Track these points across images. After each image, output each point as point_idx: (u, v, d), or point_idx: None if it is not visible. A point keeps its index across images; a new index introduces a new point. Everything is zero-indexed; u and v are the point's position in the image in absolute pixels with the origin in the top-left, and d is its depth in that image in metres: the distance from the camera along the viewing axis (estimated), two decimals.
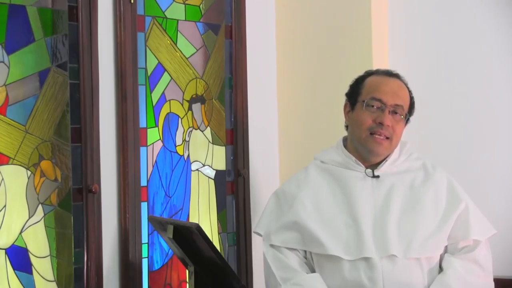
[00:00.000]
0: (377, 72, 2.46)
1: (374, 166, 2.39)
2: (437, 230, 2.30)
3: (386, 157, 2.38)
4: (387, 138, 2.34)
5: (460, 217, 2.32)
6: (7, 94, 2.54)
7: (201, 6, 3.14)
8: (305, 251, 2.38)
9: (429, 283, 2.27)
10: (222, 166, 3.20)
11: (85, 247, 2.68)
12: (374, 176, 2.36)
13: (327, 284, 2.31)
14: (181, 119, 3.05)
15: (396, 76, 2.44)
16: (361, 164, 2.38)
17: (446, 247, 2.33)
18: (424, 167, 2.41)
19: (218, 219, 3.17)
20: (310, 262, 2.38)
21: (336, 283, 2.30)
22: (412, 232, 2.27)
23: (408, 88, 2.42)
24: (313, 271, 2.36)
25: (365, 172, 2.37)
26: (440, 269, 2.31)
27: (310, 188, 2.41)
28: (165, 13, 3.01)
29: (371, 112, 2.36)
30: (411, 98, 2.42)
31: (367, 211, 2.31)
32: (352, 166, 2.39)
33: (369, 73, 2.46)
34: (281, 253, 2.38)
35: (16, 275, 2.55)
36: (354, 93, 2.44)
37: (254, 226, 3.24)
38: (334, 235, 2.30)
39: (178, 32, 3.05)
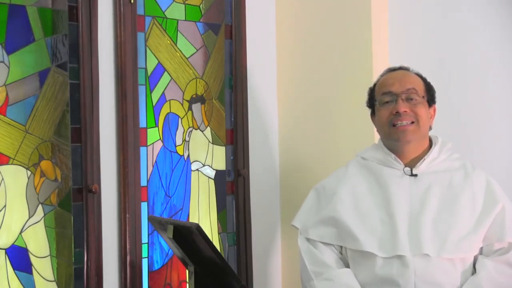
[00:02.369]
0: (383, 73, 2.49)
1: (412, 164, 2.38)
2: (472, 231, 2.28)
3: (425, 156, 2.38)
4: (412, 122, 2.34)
5: (496, 218, 2.30)
6: (7, 94, 2.54)
7: (201, 6, 3.14)
8: (341, 247, 2.40)
9: (462, 284, 2.25)
10: (222, 166, 3.20)
11: (85, 247, 2.68)
12: (412, 175, 2.36)
13: (359, 279, 2.32)
14: (181, 119, 3.05)
15: (400, 68, 2.47)
16: (400, 162, 2.38)
17: (481, 248, 2.31)
18: (464, 168, 2.39)
19: (218, 219, 3.17)
20: (345, 258, 2.39)
21: (368, 279, 2.30)
22: (447, 232, 2.26)
23: (419, 74, 2.44)
24: (347, 266, 2.38)
25: (403, 171, 2.37)
26: (474, 270, 2.29)
27: (349, 184, 2.43)
28: (165, 13, 3.01)
29: (387, 108, 2.37)
30: (426, 83, 2.43)
31: (403, 209, 2.31)
32: (391, 164, 2.39)
33: (378, 78, 2.49)
34: (315, 247, 2.40)
35: (16, 275, 2.55)
36: (371, 100, 2.48)
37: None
38: (369, 231, 2.31)
39: (178, 32, 3.06)
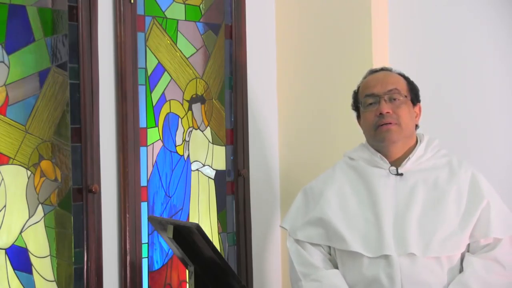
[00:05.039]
0: (365, 75, 2.51)
1: (398, 163, 2.39)
2: (458, 229, 2.28)
3: (410, 154, 2.39)
4: (395, 123, 2.35)
5: (481, 214, 2.30)
6: (7, 94, 2.54)
7: (201, 6, 3.14)
8: (329, 247, 2.41)
9: (449, 282, 2.26)
10: (222, 166, 3.20)
11: (85, 247, 2.68)
12: (397, 174, 2.37)
13: (347, 280, 2.33)
14: (181, 119, 3.05)
15: (381, 69, 2.49)
16: (386, 161, 2.39)
17: (468, 245, 2.32)
18: (450, 164, 2.40)
19: (218, 219, 3.17)
20: (334, 258, 2.40)
21: (355, 280, 2.32)
22: (432, 231, 2.27)
23: (401, 74, 2.45)
24: (336, 267, 2.39)
25: (389, 170, 2.38)
26: (462, 268, 2.29)
27: (336, 185, 2.45)
28: (165, 13, 3.01)
29: (370, 110, 2.39)
30: (409, 82, 2.44)
31: (389, 209, 2.32)
32: (378, 163, 2.40)
33: (361, 81, 2.51)
34: (304, 248, 2.42)
35: (16, 275, 2.55)
36: (355, 103, 2.50)
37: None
38: (356, 232, 2.33)
39: (178, 32, 3.06)
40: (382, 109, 2.35)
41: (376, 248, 2.28)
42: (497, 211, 2.33)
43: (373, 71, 2.50)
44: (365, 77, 2.49)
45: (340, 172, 2.48)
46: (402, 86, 2.41)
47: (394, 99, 2.37)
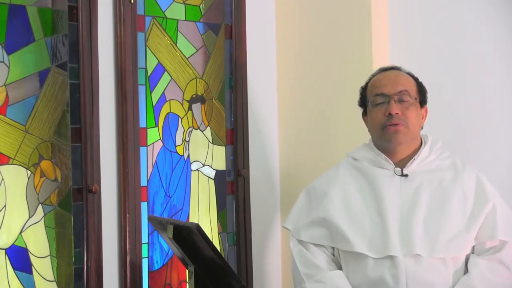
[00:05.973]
0: (375, 73, 2.50)
1: (403, 164, 2.39)
2: (463, 231, 2.28)
3: (414, 155, 2.39)
4: (403, 125, 2.35)
5: (487, 217, 2.30)
6: (7, 94, 2.54)
7: (201, 6, 3.14)
8: (333, 248, 2.40)
9: (455, 284, 2.25)
10: (222, 166, 3.20)
11: (85, 247, 2.68)
12: (402, 175, 2.37)
13: (351, 281, 2.32)
14: (181, 119, 3.05)
15: (392, 68, 2.48)
16: (391, 162, 2.39)
17: (473, 247, 2.32)
18: (454, 166, 2.40)
19: (218, 219, 3.17)
20: (338, 259, 2.39)
21: (359, 280, 2.31)
22: (438, 232, 2.27)
23: (411, 74, 2.44)
24: (340, 268, 2.38)
25: (394, 171, 2.37)
26: (466, 269, 2.29)
27: (340, 185, 2.43)
28: (165, 13, 3.01)
29: (379, 109, 2.38)
30: (418, 83, 2.43)
31: (394, 209, 2.31)
32: (382, 164, 2.39)
33: (370, 78, 2.49)
34: (307, 249, 2.41)
35: (16, 275, 2.55)
36: (363, 99, 2.48)
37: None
38: (360, 232, 2.32)
39: (178, 32, 3.06)
40: (392, 110, 2.34)
41: (381, 249, 2.27)
42: (503, 213, 2.33)
43: (383, 69, 2.48)
44: (374, 75, 2.47)
45: (344, 171, 2.47)
46: (412, 87, 2.40)
47: (404, 101, 2.36)
